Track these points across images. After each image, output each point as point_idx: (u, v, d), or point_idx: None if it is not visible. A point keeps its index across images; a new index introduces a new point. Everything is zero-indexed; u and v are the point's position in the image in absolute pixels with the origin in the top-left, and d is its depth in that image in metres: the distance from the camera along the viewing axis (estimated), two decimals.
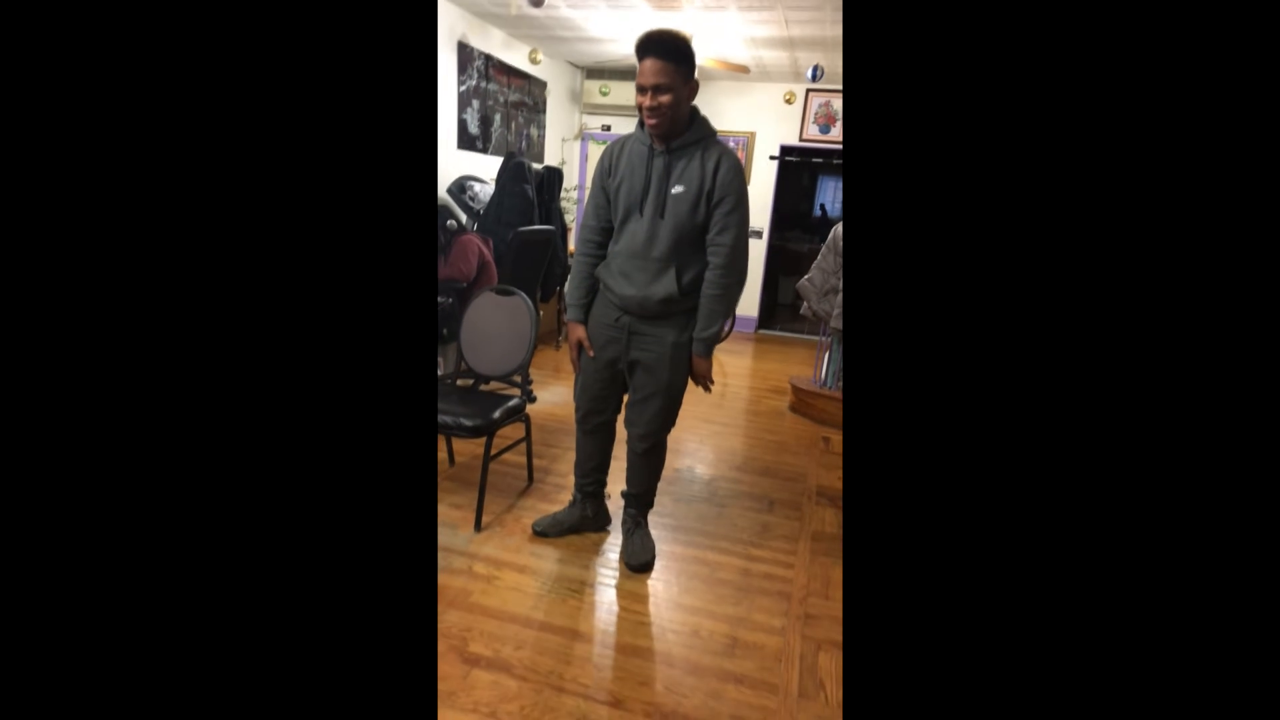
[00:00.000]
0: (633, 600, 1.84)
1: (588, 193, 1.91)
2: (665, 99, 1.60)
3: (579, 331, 1.93)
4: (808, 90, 5.24)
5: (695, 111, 1.72)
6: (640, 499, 2.05)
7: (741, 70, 4.16)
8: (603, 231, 1.86)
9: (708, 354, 1.82)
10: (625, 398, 1.98)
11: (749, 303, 5.75)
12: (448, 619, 1.69)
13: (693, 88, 1.67)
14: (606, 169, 1.81)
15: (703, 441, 3.11)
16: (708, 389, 1.89)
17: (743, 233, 1.72)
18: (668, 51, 1.59)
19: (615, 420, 2.04)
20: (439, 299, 3.42)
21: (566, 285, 1.97)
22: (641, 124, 1.71)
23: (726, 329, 5.31)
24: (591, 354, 1.91)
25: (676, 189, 1.69)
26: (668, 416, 1.91)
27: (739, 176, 1.70)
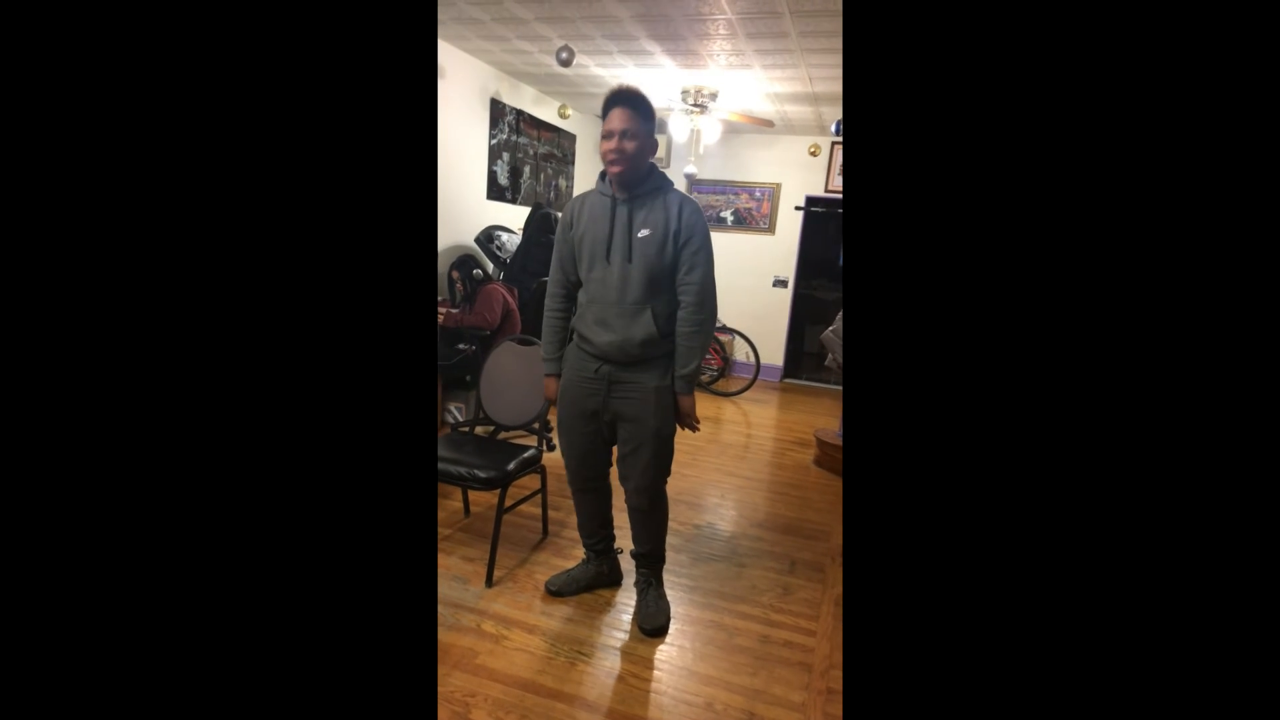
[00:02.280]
0: (644, 666, 1.75)
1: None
2: (630, 145, 1.69)
3: (555, 386, 1.96)
4: (832, 143, 5.30)
5: (654, 166, 1.80)
6: (649, 557, 1.99)
7: (766, 124, 4.23)
8: (569, 285, 1.92)
9: (689, 391, 1.81)
10: (615, 451, 1.94)
11: (774, 351, 5.70)
12: (452, 682, 1.63)
13: (653, 144, 1.75)
14: (568, 223, 1.86)
15: (724, 496, 3.03)
16: (694, 428, 1.86)
17: (709, 271, 1.76)
18: (634, 103, 1.70)
19: (608, 475, 2.00)
20: (463, 346, 3.46)
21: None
22: (602, 175, 1.78)
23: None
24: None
25: (642, 232, 1.73)
26: (661, 465, 1.86)
27: (702, 219, 1.77)
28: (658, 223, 1.72)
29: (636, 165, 1.71)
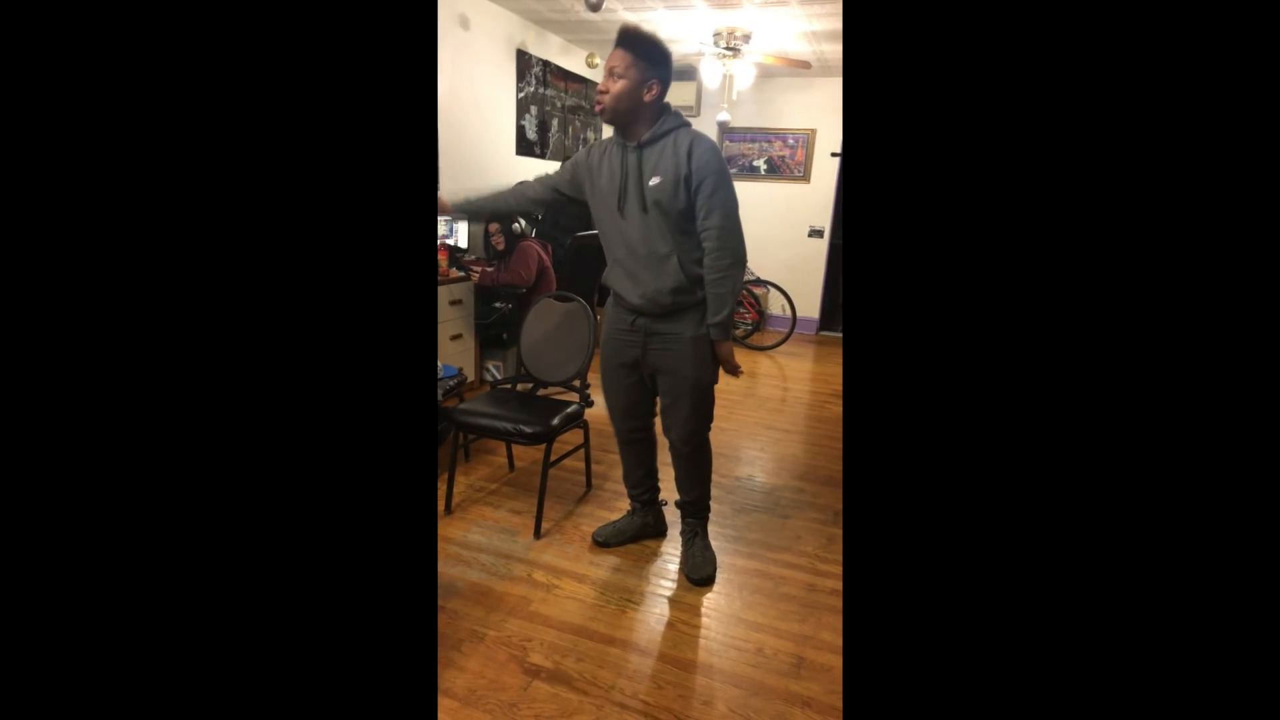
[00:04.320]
0: (692, 614, 1.79)
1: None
2: (615, 85, 1.63)
3: (445, 204, 1.93)
4: None
5: (666, 108, 1.72)
6: (695, 505, 2.01)
7: (803, 66, 4.05)
8: (544, 186, 1.90)
9: (725, 337, 1.77)
10: (659, 402, 1.94)
11: (810, 303, 5.60)
12: (508, 627, 1.69)
13: (653, 88, 1.67)
14: (586, 165, 1.82)
15: (763, 449, 3.03)
16: (737, 373, 1.84)
17: (730, 212, 1.68)
18: (630, 43, 1.63)
19: (653, 425, 2.01)
20: (499, 304, 3.47)
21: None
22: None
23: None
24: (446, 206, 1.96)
25: (654, 180, 1.68)
26: (703, 413, 1.86)
27: (715, 156, 1.67)
28: (668, 167, 1.66)
29: (621, 107, 1.65)
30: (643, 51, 1.63)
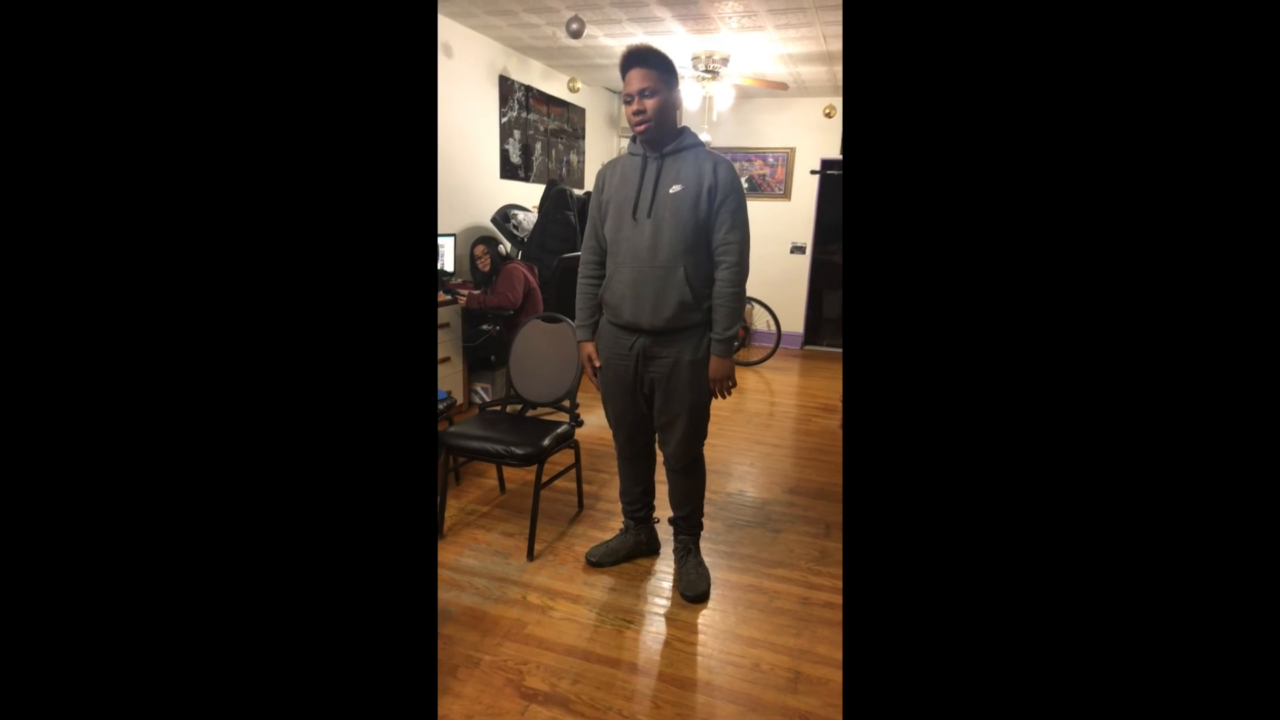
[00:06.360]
0: (688, 631, 1.79)
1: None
2: (651, 103, 1.67)
3: (589, 349, 1.97)
4: None
5: (687, 127, 1.78)
6: (687, 520, 2.01)
7: (780, 87, 4.14)
8: (601, 252, 1.89)
9: (728, 354, 1.78)
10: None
11: (794, 318, 5.66)
12: (504, 651, 1.68)
13: (677, 99, 1.73)
14: (601, 186, 1.85)
15: (753, 464, 3.05)
16: (726, 394, 1.83)
17: (746, 233, 1.76)
18: (649, 61, 1.67)
19: (654, 443, 2.03)
20: (486, 326, 3.48)
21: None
22: (634, 138, 1.77)
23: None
24: (598, 364, 1.95)
25: (675, 188, 1.70)
26: (696, 433, 1.88)
27: (738, 178, 1.75)
28: (690, 178, 1.69)
29: (663, 121, 1.69)
30: (663, 65, 1.67)
